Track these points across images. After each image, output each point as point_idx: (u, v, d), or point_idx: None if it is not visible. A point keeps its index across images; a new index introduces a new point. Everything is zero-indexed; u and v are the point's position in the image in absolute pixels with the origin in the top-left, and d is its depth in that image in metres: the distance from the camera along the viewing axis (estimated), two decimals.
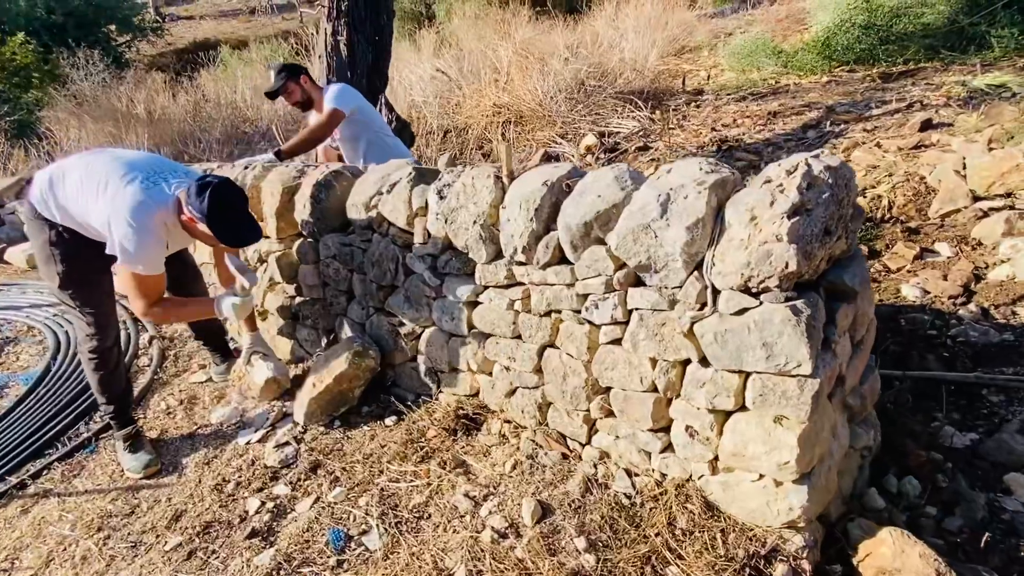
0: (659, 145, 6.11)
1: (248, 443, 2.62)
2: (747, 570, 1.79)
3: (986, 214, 3.76)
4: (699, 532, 1.90)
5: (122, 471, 2.57)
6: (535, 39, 9.78)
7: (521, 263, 2.21)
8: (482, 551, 1.93)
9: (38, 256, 2.50)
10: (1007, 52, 6.94)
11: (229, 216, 2.23)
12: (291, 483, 2.36)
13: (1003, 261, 3.32)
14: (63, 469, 2.63)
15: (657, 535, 1.91)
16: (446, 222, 2.35)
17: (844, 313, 1.86)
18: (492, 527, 1.99)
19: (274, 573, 1.99)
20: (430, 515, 2.12)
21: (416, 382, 2.71)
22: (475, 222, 2.26)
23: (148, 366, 3.30)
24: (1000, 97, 5.76)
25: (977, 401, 2.61)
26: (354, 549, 2.05)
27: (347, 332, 2.89)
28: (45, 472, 2.63)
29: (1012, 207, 3.73)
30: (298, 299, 3.08)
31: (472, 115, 7.40)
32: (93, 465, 2.65)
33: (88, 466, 2.65)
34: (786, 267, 1.66)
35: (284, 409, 2.77)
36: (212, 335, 3.10)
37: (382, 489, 2.24)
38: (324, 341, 3.02)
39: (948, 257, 3.54)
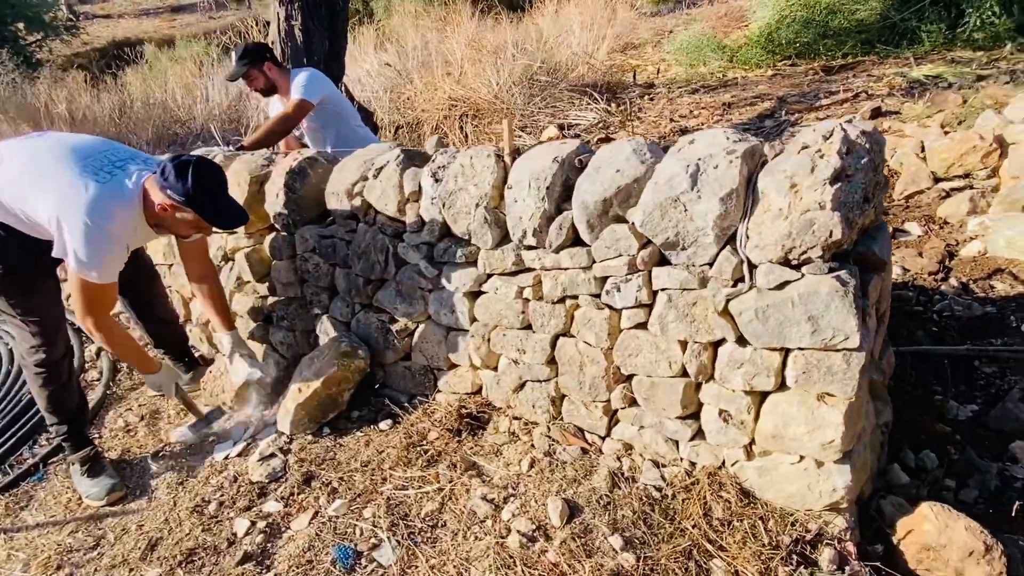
0: (621, 135, 6.09)
1: (227, 458, 2.37)
2: (793, 557, 1.71)
3: (948, 194, 3.87)
4: (737, 521, 1.81)
5: (80, 499, 2.27)
6: (482, 34, 9.66)
7: (531, 247, 2.06)
8: (511, 558, 1.77)
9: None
10: (936, 46, 7.29)
11: (217, 194, 2.02)
12: (283, 498, 2.13)
13: (973, 238, 3.41)
14: (6, 501, 2.31)
15: (694, 527, 1.80)
16: (444, 207, 2.18)
17: (875, 285, 1.80)
18: (518, 531, 1.84)
19: None
20: (445, 523, 1.95)
21: (410, 382, 2.53)
22: (478, 205, 2.10)
23: (99, 380, 2.97)
24: (937, 86, 6.02)
25: (971, 373, 2.64)
26: (365, 566, 1.85)
27: (329, 332, 2.67)
28: None
29: (971, 187, 3.86)
30: (271, 299, 2.83)
31: (426, 109, 7.19)
32: (43, 494, 2.33)
33: (37, 495, 2.33)
34: (830, 236, 1.59)
35: (264, 419, 2.52)
36: (174, 343, 2.82)
37: (388, 498, 2.05)
38: (303, 343, 2.78)
39: (919, 236, 3.61)
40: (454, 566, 1.79)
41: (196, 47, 14.23)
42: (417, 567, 1.81)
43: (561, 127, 6.50)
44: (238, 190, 2.67)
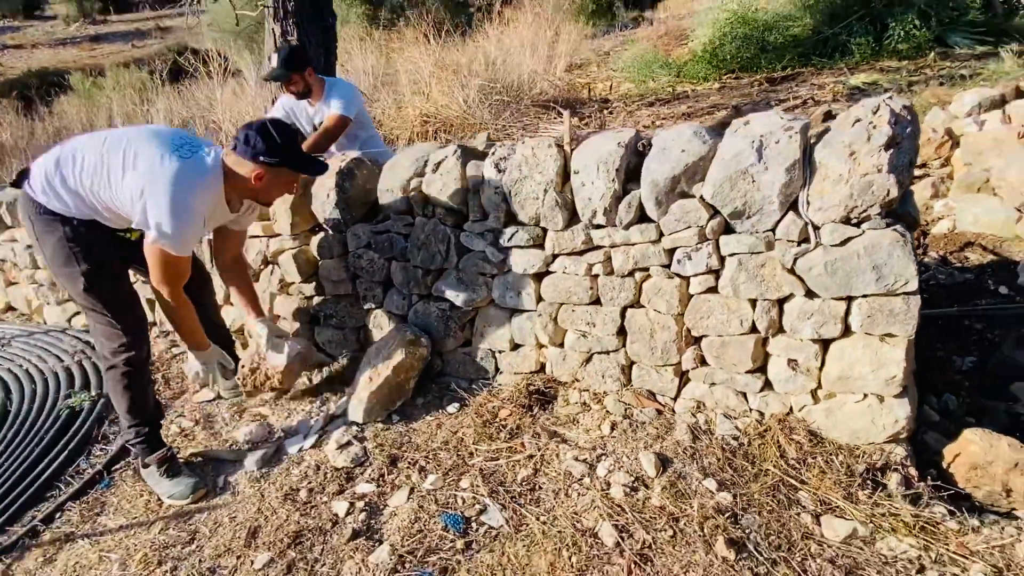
0: None
1: (301, 450, 2.40)
2: (868, 483, 1.93)
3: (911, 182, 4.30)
4: (811, 459, 2.01)
5: (159, 500, 2.25)
6: (433, 56, 9.86)
7: (599, 226, 2.23)
8: (618, 506, 1.91)
9: (53, 258, 2.15)
10: (865, 57, 7.99)
11: (300, 146, 2.17)
12: (372, 480, 2.20)
13: (941, 218, 3.81)
14: (80, 509, 2.26)
15: (775, 467, 2.00)
16: (510, 194, 2.33)
17: (912, 239, 2.07)
18: (620, 483, 1.98)
19: (399, 567, 1.84)
20: (543, 485, 2.06)
21: (471, 367, 2.63)
22: (546, 191, 2.26)
23: None
24: (875, 93, 6.61)
25: (963, 331, 2.98)
26: (477, 529, 1.94)
27: (382, 326, 2.74)
28: (58, 515, 2.24)
29: (928, 175, 4.30)
30: (317, 299, 2.88)
31: (396, 126, 7.30)
32: (116, 499, 2.29)
33: (110, 501, 2.29)
34: (887, 195, 1.83)
35: (329, 412, 2.56)
36: (223, 343, 2.81)
37: (480, 470, 2.15)
38: (352, 341, 2.84)
39: None
40: (567, 519, 1.91)
41: (129, 75, 13.82)
42: (528, 524, 1.92)
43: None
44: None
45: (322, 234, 2.78)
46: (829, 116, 6.11)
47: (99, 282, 2.17)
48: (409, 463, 2.25)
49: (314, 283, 2.85)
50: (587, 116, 7.83)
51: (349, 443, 2.37)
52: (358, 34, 14.25)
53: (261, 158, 2.09)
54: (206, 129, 9.07)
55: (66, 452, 2.51)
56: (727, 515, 1.84)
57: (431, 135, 6.98)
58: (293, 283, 2.88)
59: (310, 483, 2.22)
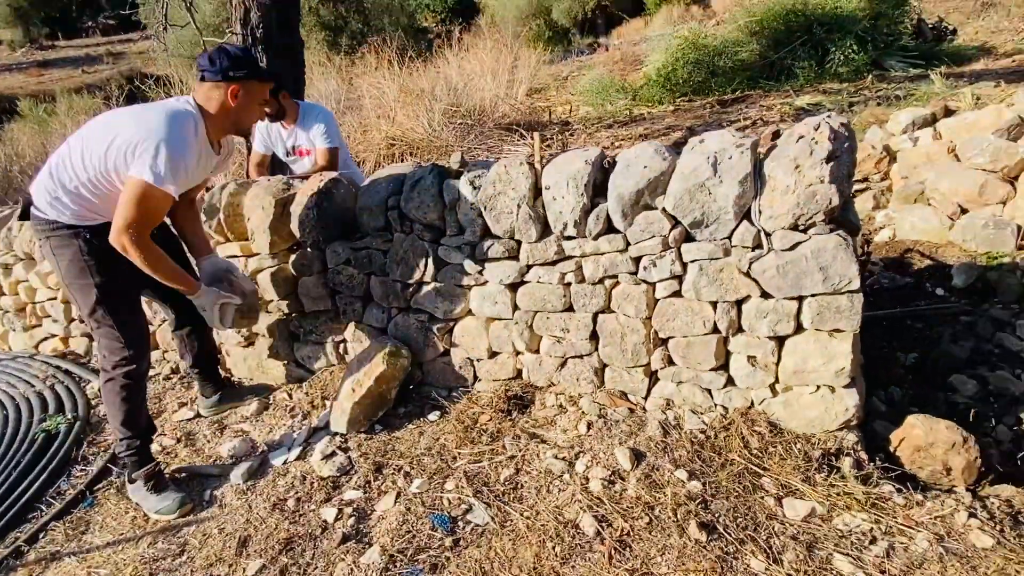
0: None
1: (286, 462, 2.45)
2: (824, 467, 2.09)
3: (854, 195, 4.60)
4: (772, 447, 2.17)
5: (146, 516, 2.27)
6: (394, 81, 10.03)
7: (570, 237, 2.38)
8: (598, 498, 2.03)
9: (67, 272, 2.23)
10: (809, 80, 8.46)
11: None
12: (359, 487, 2.27)
13: (882, 227, 4.10)
14: (64, 529, 2.26)
15: (739, 456, 2.15)
16: (485, 209, 2.46)
17: (854, 244, 2.27)
18: (598, 478, 2.10)
19: (390, 567, 1.92)
20: (525, 484, 2.17)
21: (450, 376, 2.73)
22: (519, 205, 2.40)
23: None
24: (820, 112, 7.02)
25: (906, 330, 3.21)
26: (463, 527, 2.04)
27: (362, 340, 2.83)
28: (42, 535, 2.24)
29: (870, 188, 4.61)
30: (296, 315, 2.94)
31: (363, 149, 7.40)
32: (101, 517, 2.30)
33: (94, 519, 2.30)
34: (830, 203, 2.03)
35: (312, 424, 2.62)
36: (209, 360, 2.84)
37: (464, 472, 2.25)
38: (332, 355, 2.91)
39: None
40: (549, 513, 2.02)
41: (89, 100, 13.60)
42: (513, 520, 2.03)
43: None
44: (262, 213, 2.81)
45: (300, 252, 2.86)
46: (777, 135, 6.44)
47: (110, 295, 2.25)
48: (394, 469, 2.33)
49: (291, 300, 2.92)
50: (549, 138, 8.06)
51: (334, 453, 2.44)
52: (319, 59, 14.34)
53: (231, 73, 2.17)
54: None
55: (46, 474, 2.51)
56: (698, 501, 1.98)
57: (397, 157, 7.10)
58: (272, 300, 2.94)
59: (297, 493, 2.28)
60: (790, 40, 8.81)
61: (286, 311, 2.95)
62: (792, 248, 2.08)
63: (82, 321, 2.33)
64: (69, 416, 2.88)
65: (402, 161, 7.22)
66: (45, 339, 3.74)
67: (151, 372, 3.21)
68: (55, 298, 3.59)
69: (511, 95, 9.32)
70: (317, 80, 11.52)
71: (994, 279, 3.31)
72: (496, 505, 2.09)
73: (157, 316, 3.26)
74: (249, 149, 4.01)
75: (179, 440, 2.69)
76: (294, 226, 2.81)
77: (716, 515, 1.94)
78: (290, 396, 2.88)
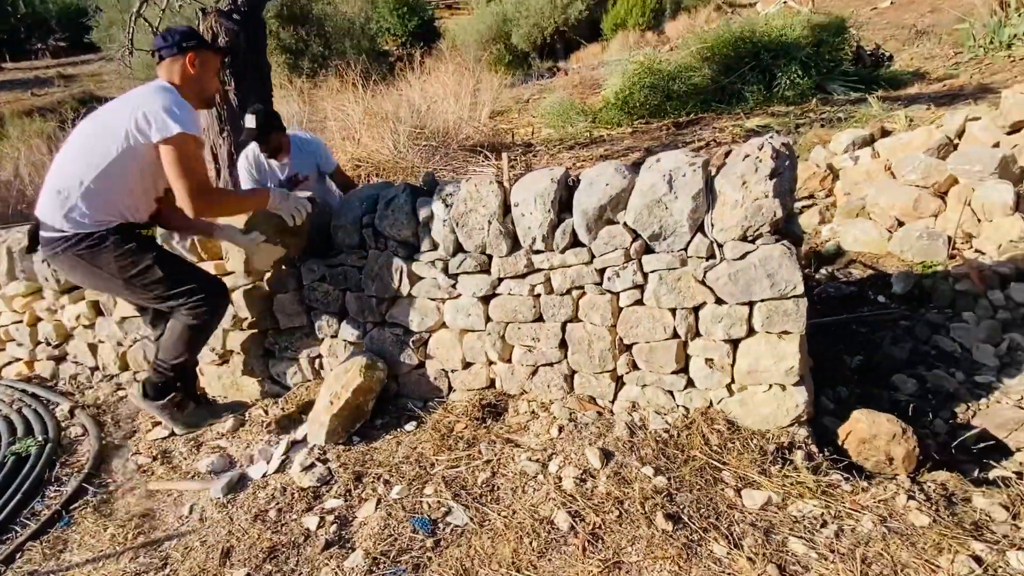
0: None
1: (265, 475, 2.50)
2: (778, 460, 2.25)
3: (801, 211, 4.88)
4: (730, 443, 2.33)
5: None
6: (358, 103, 10.14)
7: (538, 251, 2.52)
8: (571, 496, 2.15)
9: (120, 268, 2.34)
10: (758, 103, 8.88)
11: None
12: (340, 495, 2.33)
13: (828, 240, 4.37)
14: (41, 548, 2.26)
15: (701, 453, 2.30)
16: (457, 226, 2.58)
17: (799, 253, 2.47)
18: (570, 476, 2.22)
19: (374, 568, 1.99)
20: (501, 485, 2.27)
21: (425, 387, 2.82)
22: (490, 222, 2.53)
23: (84, 435, 2.92)
24: (768, 133, 7.39)
25: (851, 335, 3.44)
26: (444, 529, 2.12)
27: (338, 354, 2.90)
28: (18, 555, 2.23)
29: (815, 204, 4.90)
30: (272, 332, 3.00)
31: None
32: (79, 536, 2.31)
33: (72, 538, 2.30)
34: (775, 216, 2.22)
35: (290, 438, 2.68)
36: (190, 377, 2.86)
37: (443, 477, 2.34)
38: (308, 371, 2.97)
39: None
40: (525, 511, 2.12)
41: (41, 124, 13.29)
42: (491, 519, 2.12)
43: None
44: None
45: (275, 270, 2.92)
46: (728, 155, 6.78)
47: (167, 259, 2.44)
48: (374, 478, 2.40)
49: (266, 318, 2.98)
50: (513, 159, 8.26)
51: (313, 465, 2.50)
52: (279, 82, 14.35)
53: (184, 44, 2.36)
54: None
55: (19, 495, 2.50)
56: (663, 495, 2.11)
57: (364, 178, 7.18)
58: (246, 319, 2.99)
59: (278, 504, 2.33)
60: (739, 65, 9.25)
61: (261, 329, 3.00)
62: (742, 257, 2.26)
63: (167, 307, 2.48)
64: (39, 438, 2.86)
65: (369, 182, 7.31)
66: (8, 363, 3.69)
67: (121, 393, 3.22)
68: (20, 321, 3.55)
69: (474, 117, 9.52)
70: (279, 102, 11.51)
71: (929, 286, 3.57)
72: (474, 507, 2.19)
73: (128, 336, 3.27)
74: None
75: (155, 458, 2.71)
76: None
77: (681, 507, 2.08)
78: (266, 412, 2.92)
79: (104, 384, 3.35)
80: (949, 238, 3.78)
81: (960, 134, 4.41)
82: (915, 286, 3.63)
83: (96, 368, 3.44)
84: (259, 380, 3.06)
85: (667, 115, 9.43)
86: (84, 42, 21.10)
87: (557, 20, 18.32)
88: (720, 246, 2.30)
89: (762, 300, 2.27)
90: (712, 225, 2.30)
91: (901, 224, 4.09)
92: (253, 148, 3.60)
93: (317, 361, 2.98)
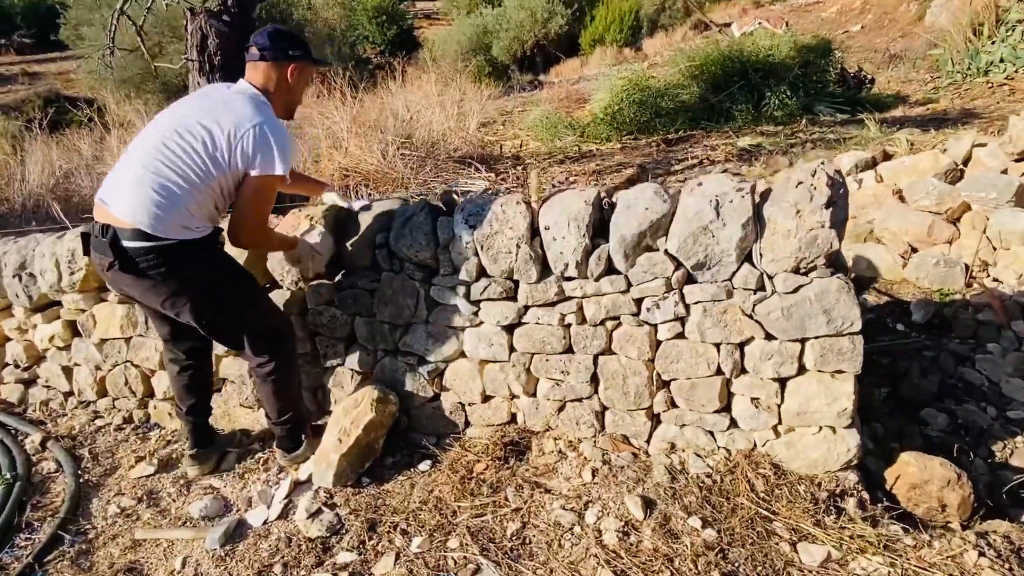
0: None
1: (266, 522, 2.25)
2: (831, 509, 2.10)
3: None
4: (778, 490, 2.17)
5: None
6: (344, 111, 9.89)
7: (570, 278, 2.34)
8: (614, 552, 1.96)
9: (200, 292, 2.18)
10: (747, 122, 8.88)
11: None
12: (352, 548, 2.10)
13: None
14: None
15: (747, 500, 2.13)
16: (481, 249, 2.39)
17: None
18: (612, 529, 2.03)
19: None
20: (534, 538, 2.07)
21: (439, 422, 2.61)
22: (518, 245, 2.34)
23: (59, 472, 2.63)
24: (760, 153, 7.37)
25: (874, 365, 3.33)
26: None
27: (343, 384, 2.67)
28: None
29: None
30: None
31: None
32: None
33: None
34: (830, 247, 2.08)
35: (293, 478, 2.43)
36: (206, 411, 2.59)
37: (467, 527, 2.12)
38: (310, 400, 2.73)
39: None
40: (563, 570, 1.92)
41: (2, 122, 12.69)
42: None
43: (456, 194, 6.89)
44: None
45: (277, 292, 2.69)
46: (736, 174, 6.72)
47: (250, 289, 2.34)
48: (390, 527, 2.18)
49: None
50: (503, 172, 8.10)
51: (320, 511, 2.26)
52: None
53: (291, 52, 2.24)
54: (92, 181, 8.51)
55: None
56: (715, 551, 1.94)
57: (353, 188, 6.93)
58: None
59: (283, 557, 2.09)
60: (728, 84, 9.26)
61: None
62: (795, 291, 2.11)
63: (251, 338, 2.31)
64: (7, 475, 2.57)
65: (357, 192, 7.06)
66: None
67: (100, 423, 2.94)
68: None
69: (462, 127, 9.34)
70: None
71: (949, 315, 3.49)
72: (506, 563, 1.98)
73: (108, 360, 2.99)
74: None
75: (140, 500, 2.44)
76: (271, 264, 2.65)
77: (735, 564, 1.90)
78: (263, 446, 2.67)
79: (80, 411, 3.06)
80: (966, 265, 3.71)
81: (967, 160, 4.38)
82: (935, 314, 3.54)
83: (71, 393, 3.15)
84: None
85: (656, 131, 9.38)
86: (51, 40, 20.40)
87: (537, 33, 18.34)
88: (770, 278, 2.15)
89: (816, 337, 2.12)
90: (761, 255, 2.15)
91: (914, 250, 4.02)
92: None
93: (320, 392, 2.75)
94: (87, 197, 8.31)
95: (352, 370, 2.66)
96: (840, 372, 2.14)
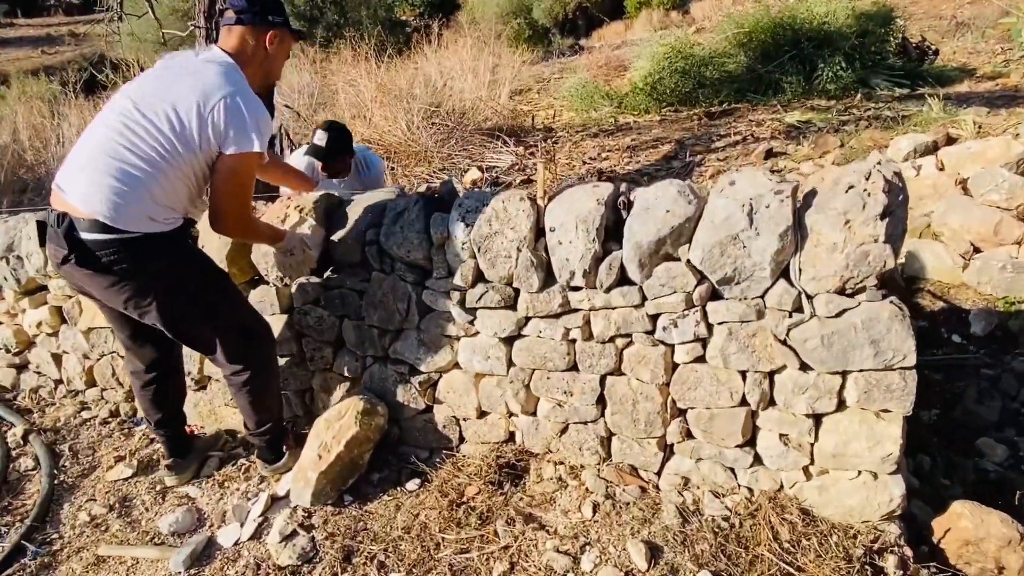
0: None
1: (238, 543, 2.09)
2: (867, 568, 1.82)
3: None
4: (805, 540, 1.89)
5: None
6: (372, 77, 9.60)
7: (577, 288, 2.06)
8: None
9: (196, 276, 2.05)
10: (797, 95, 8.29)
11: None
12: None
13: None
14: None
15: (769, 551, 1.86)
16: (479, 251, 2.12)
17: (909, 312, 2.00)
18: None
19: None
20: None
21: (432, 436, 2.39)
22: (519, 249, 2.07)
23: (36, 469, 2.51)
24: (809, 130, 6.85)
25: (923, 382, 2.97)
26: None
27: (330, 389, 2.47)
28: None
29: None
30: None
31: None
32: None
33: None
34: (884, 265, 1.75)
35: (271, 492, 2.26)
36: (181, 416, 2.43)
37: (450, 565, 1.91)
38: (297, 405, 2.54)
39: None
40: None
41: (45, 84, 12.79)
42: None
43: (480, 169, 6.59)
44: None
45: (262, 287, 2.48)
46: (770, 154, 6.25)
47: (222, 282, 2.16)
48: (367, 558, 1.98)
49: None
50: (532, 145, 7.75)
51: (295, 533, 2.08)
52: (292, 50, 13.79)
53: (271, 17, 2.03)
54: None
55: None
56: None
57: None
58: None
59: None
60: (778, 54, 8.63)
61: None
62: (839, 315, 1.80)
63: (224, 342, 2.12)
64: None
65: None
66: None
67: (86, 415, 2.82)
68: None
69: (493, 96, 8.97)
70: (289, 73, 10.99)
71: (1015, 328, 3.10)
72: None
73: (95, 350, 2.85)
74: None
75: (111, 507, 2.30)
76: (256, 257, 2.44)
77: None
78: (246, 449, 2.51)
79: (67, 402, 2.95)
80: None
81: None
82: (998, 327, 3.16)
83: (60, 381, 3.03)
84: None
85: (698, 103, 8.86)
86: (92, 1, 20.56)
87: None
88: (810, 298, 1.83)
89: (860, 370, 1.81)
90: (800, 271, 1.83)
91: (977, 250, 3.59)
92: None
93: (307, 395, 2.56)
94: None
95: (340, 375, 2.46)
96: (886, 411, 1.83)
